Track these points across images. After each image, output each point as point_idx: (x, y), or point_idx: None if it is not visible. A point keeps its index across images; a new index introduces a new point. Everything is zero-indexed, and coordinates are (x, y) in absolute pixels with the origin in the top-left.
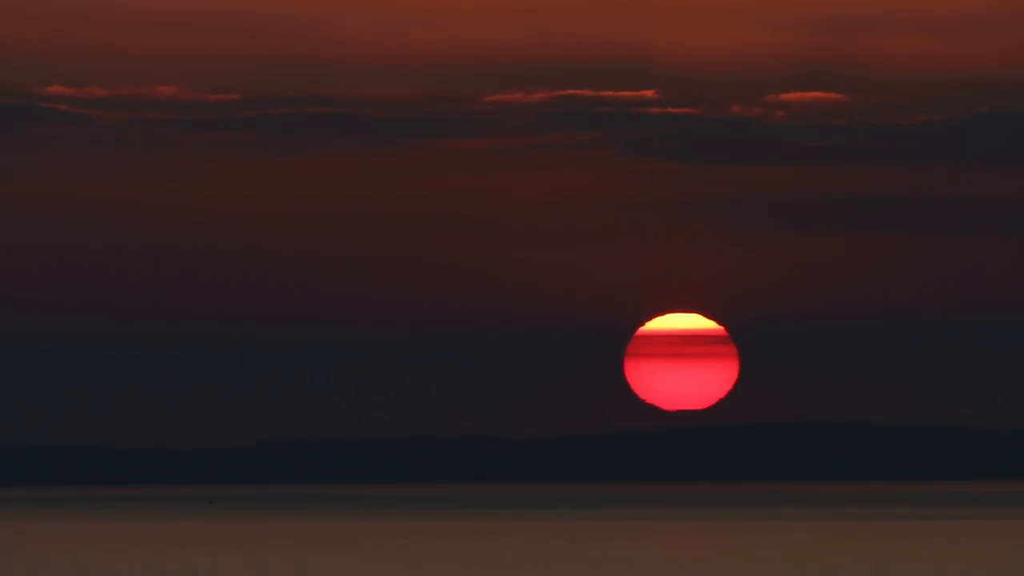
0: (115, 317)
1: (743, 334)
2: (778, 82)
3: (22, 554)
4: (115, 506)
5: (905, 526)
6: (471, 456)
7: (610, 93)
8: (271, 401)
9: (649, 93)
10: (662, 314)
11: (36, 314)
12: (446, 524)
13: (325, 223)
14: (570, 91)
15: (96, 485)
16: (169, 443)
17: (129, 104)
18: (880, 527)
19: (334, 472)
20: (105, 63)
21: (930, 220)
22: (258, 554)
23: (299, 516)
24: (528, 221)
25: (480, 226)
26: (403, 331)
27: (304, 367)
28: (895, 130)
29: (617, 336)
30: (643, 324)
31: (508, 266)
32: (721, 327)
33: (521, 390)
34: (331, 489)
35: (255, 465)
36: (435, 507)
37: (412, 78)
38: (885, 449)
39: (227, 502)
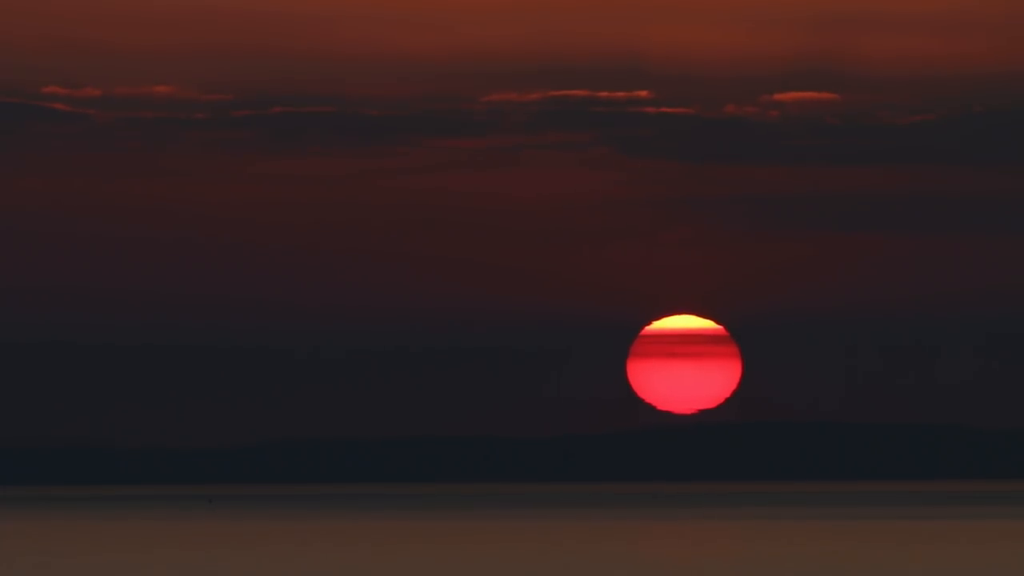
0: (112, 315)
1: (744, 334)
2: (772, 82)
3: (22, 554)
4: (115, 506)
5: (906, 526)
6: (471, 456)
7: (605, 93)
8: (271, 401)
9: (644, 93)
10: (662, 314)
11: (33, 312)
12: (446, 524)
13: (323, 221)
14: (565, 91)
15: (96, 485)
16: (169, 443)
17: (125, 104)
18: (880, 527)
19: (334, 472)
20: (101, 63)
21: (926, 219)
22: (258, 554)
23: (299, 516)
24: (523, 220)
25: (475, 225)
26: (401, 330)
27: (304, 366)
28: (889, 129)
29: (618, 336)
30: (645, 324)
31: (504, 265)
32: (721, 327)
33: (521, 390)
34: (331, 489)
35: (255, 465)
36: (435, 507)
37: (408, 78)
38: (885, 449)
39: (227, 502)
